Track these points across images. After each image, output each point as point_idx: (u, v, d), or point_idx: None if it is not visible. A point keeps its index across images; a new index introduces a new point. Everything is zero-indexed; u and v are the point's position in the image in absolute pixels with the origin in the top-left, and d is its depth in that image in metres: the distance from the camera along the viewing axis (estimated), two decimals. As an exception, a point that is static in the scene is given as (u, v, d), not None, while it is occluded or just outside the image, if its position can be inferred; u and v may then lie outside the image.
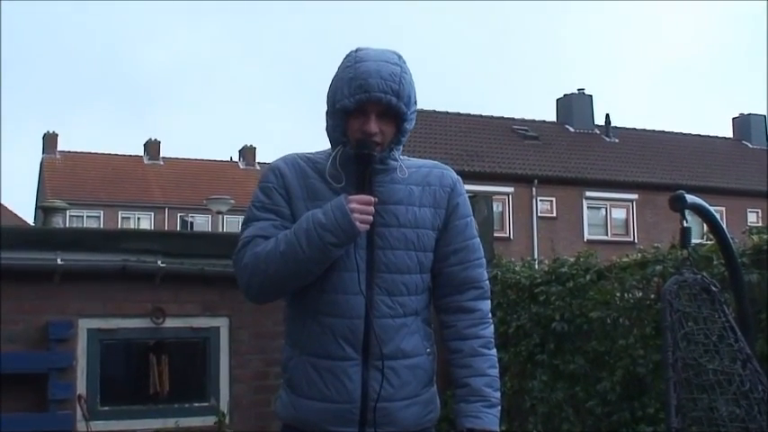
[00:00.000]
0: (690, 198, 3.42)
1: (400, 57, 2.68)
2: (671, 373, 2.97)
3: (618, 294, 6.78)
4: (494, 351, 2.73)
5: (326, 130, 2.71)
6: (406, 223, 2.66)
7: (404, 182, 2.69)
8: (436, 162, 2.85)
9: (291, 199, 2.67)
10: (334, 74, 2.69)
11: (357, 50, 2.68)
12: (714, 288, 3.25)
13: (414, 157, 2.88)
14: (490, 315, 2.77)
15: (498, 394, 2.68)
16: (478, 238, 2.81)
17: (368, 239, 2.62)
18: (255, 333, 7.11)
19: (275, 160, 2.79)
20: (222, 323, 7.16)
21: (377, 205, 2.59)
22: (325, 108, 2.69)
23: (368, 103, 2.58)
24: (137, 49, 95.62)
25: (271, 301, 2.72)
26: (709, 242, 6.04)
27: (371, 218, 2.56)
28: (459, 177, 2.83)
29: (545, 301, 7.43)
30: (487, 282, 2.81)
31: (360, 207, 2.53)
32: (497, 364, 2.73)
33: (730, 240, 3.77)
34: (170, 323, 6.99)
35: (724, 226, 3.77)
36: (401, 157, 2.73)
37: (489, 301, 2.79)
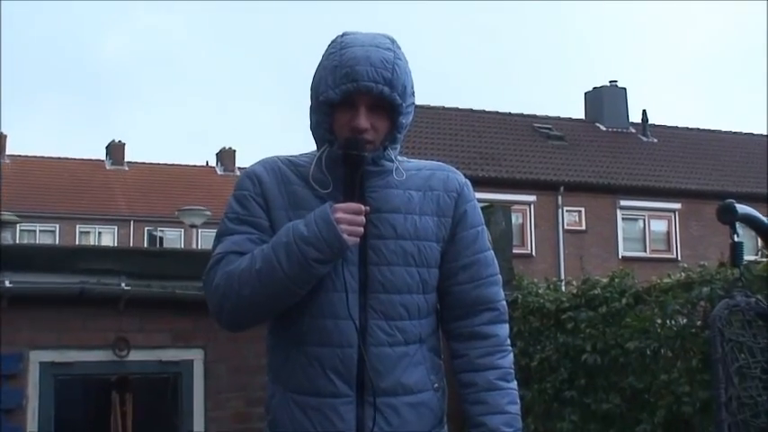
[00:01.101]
0: (741, 208, 3.40)
1: (393, 41, 2.67)
2: (724, 413, 2.95)
3: (659, 321, 6.77)
4: (514, 384, 2.71)
5: (310, 127, 2.70)
6: (405, 234, 2.64)
7: (401, 186, 2.68)
8: (440, 163, 2.84)
9: (270, 209, 2.66)
10: (318, 63, 2.68)
11: (343, 35, 2.67)
12: (772, 314, 3.24)
13: (415, 158, 2.87)
14: (508, 341, 2.75)
15: None
16: (492, 251, 2.79)
17: (360, 254, 2.61)
18: (235, 367, 7.09)
19: (252, 165, 2.78)
20: (196, 356, 7.15)
21: (370, 214, 2.57)
22: (309, 103, 2.69)
23: (356, 95, 2.56)
24: (93, 35, 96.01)
25: (247, 327, 2.71)
26: (764, 259, 6.03)
27: (362, 229, 2.54)
28: (468, 181, 2.82)
29: (574, 330, 7.42)
30: (504, 302, 2.79)
31: (348, 217, 2.51)
32: (518, 400, 2.70)
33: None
34: (135, 356, 6.98)
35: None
36: (398, 157, 2.71)
37: (507, 325, 2.77)
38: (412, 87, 2.66)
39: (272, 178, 2.69)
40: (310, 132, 2.71)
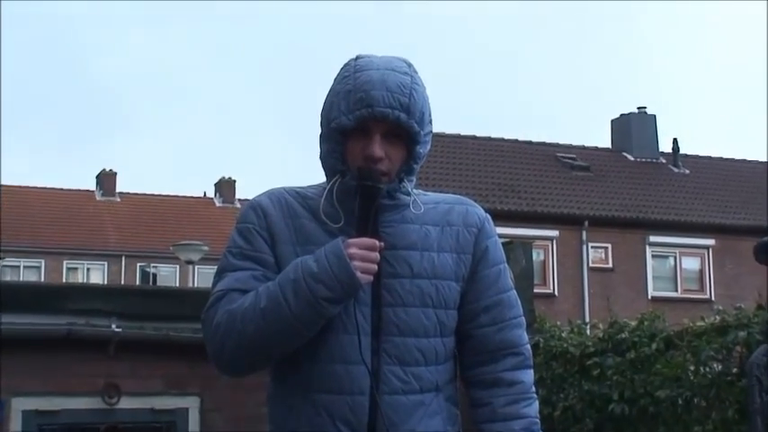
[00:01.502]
0: (782, 247, 3.40)
1: (410, 65, 2.68)
2: (762, 471, 2.93)
3: (691, 368, 6.75)
4: None
5: (320, 157, 2.70)
6: (422, 273, 2.64)
7: (418, 221, 2.68)
8: (459, 197, 2.84)
9: (276, 243, 2.65)
10: (329, 89, 2.69)
11: (357, 58, 2.68)
12: (815, 362, 3.22)
13: (431, 191, 2.87)
14: (534, 389, 2.75)
15: None
16: (514, 291, 2.80)
17: (373, 294, 2.60)
18: (233, 417, 7.08)
19: (257, 196, 2.77)
20: (191, 404, 7.13)
21: (384, 250, 2.57)
22: (319, 130, 2.69)
23: (371, 121, 2.57)
24: (81, 56, 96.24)
25: (249, 372, 2.70)
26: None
27: (376, 266, 2.53)
28: (489, 216, 2.82)
29: (599, 377, 7.40)
30: (528, 346, 2.79)
31: (361, 253, 2.51)
32: None
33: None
34: (126, 403, 6.97)
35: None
36: (415, 190, 2.71)
37: (532, 371, 2.77)
38: (430, 114, 2.67)
39: (278, 211, 2.68)
40: (320, 162, 2.71)
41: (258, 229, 2.67)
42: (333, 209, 2.63)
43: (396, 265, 2.62)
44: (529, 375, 2.75)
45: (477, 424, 2.71)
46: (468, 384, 2.76)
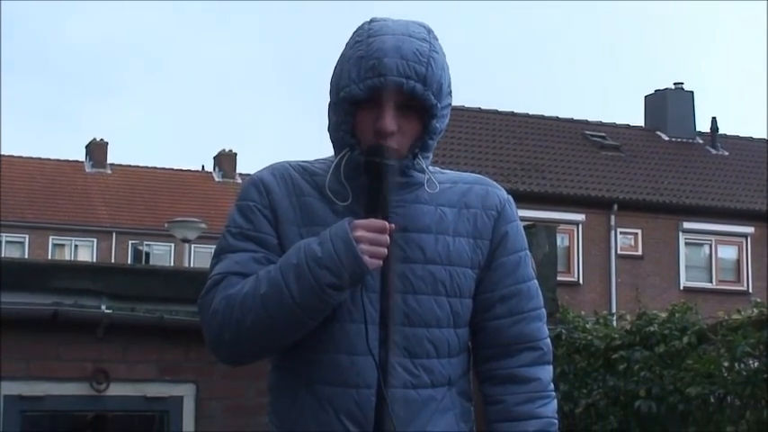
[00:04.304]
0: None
1: (430, 31, 2.66)
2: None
3: (725, 364, 6.75)
4: None
5: (328, 129, 2.69)
6: (435, 258, 2.63)
7: (433, 202, 2.66)
8: (479, 176, 2.83)
9: (279, 223, 2.65)
10: (340, 53, 2.68)
11: (371, 21, 2.66)
12: None
13: (449, 169, 2.85)
14: (552, 386, 2.74)
15: None
16: (535, 281, 2.78)
17: (382, 280, 2.59)
18: (231, 406, 7.11)
19: (259, 170, 2.76)
20: (186, 391, 7.16)
21: (395, 233, 2.55)
22: (328, 99, 2.68)
23: (383, 91, 2.55)
24: (69, 16, 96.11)
25: (248, 362, 2.70)
26: None
27: (386, 250, 2.52)
28: (511, 198, 2.80)
29: (626, 372, 7.41)
30: (548, 340, 2.78)
31: (369, 236, 2.49)
32: None
33: None
34: (116, 390, 6.99)
35: None
36: (431, 167, 2.70)
37: (550, 368, 2.75)
38: (449, 86, 2.65)
39: (282, 188, 2.67)
40: (327, 134, 2.70)
41: (260, 208, 2.66)
42: (340, 185, 2.62)
43: (407, 249, 2.61)
44: (547, 372, 2.73)
45: (490, 423, 2.70)
46: (480, 380, 2.75)
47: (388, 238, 2.51)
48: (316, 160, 2.75)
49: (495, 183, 2.80)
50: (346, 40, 2.67)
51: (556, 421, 2.70)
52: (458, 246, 2.65)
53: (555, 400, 2.73)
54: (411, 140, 2.62)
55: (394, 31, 2.59)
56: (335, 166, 2.64)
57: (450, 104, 2.68)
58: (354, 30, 2.66)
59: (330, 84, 2.67)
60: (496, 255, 2.70)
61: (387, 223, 2.52)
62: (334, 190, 2.62)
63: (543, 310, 2.78)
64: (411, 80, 2.54)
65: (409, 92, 2.55)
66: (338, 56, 2.67)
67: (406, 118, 2.59)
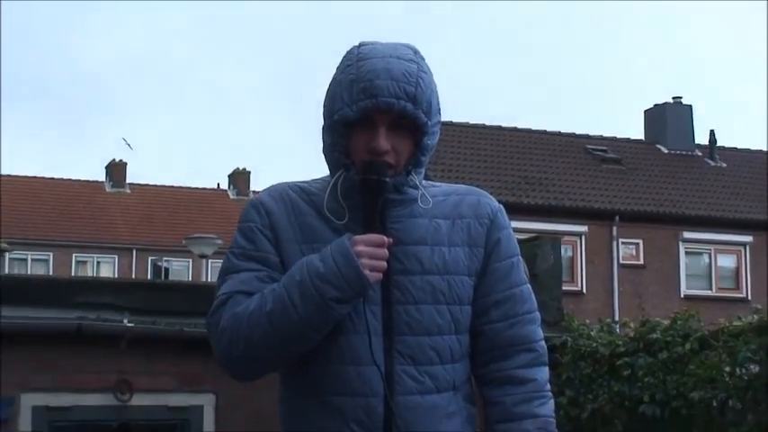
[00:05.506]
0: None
1: (416, 52, 2.68)
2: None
3: (727, 369, 6.75)
4: None
5: (323, 151, 2.70)
6: (433, 268, 2.64)
7: (427, 215, 2.67)
8: (469, 187, 2.83)
9: (280, 242, 2.66)
10: (331, 78, 2.69)
11: (360, 45, 2.68)
12: None
13: (451, 182, 2.88)
14: (548, 386, 2.74)
15: None
16: (528, 285, 2.79)
17: (383, 292, 2.61)
18: (250, 414, 7.11)
19: (258, 193, 2.80)
20: (206, 401, 7.17)
21: (393, 247, 2.57)
22: (322, 122, 2.69)
23: (375, 112, 2.57)
24: (83, 38, 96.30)
25: (258, 377, 2.70)
26: None
27: (385, 264, 2.54)
28: (502, 207, 2.81)
29: (630, 377, 7.41)
30: (543, 342, 2.77)
31: (369, 250, 2.51)
32: None
33: None
34: (139, 400, 7.02)
35: None
36: (423, 182, 2.71)
37: (546, 368, 2.76)
38: (438, 104, 2.66)
39: (281, 208, 2.69)
40: (323, 156, 2.71)
41: (261, 228, 2.67)
42: (337, 204, 2.63)
43: (405, 261, 2.62)
44: (543, 373, 2.73)
45: (490, 424, 2.70)
46: (479, 383, 2.76)
47: (386, 251, 2.54)
48: (313, 180, 2.77)
49: (486, 193, 2.81)
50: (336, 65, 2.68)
51: (553, 420, 2.70)
52: (454, 255, 2.67)
53: (552, 401, 2.73)
54: (404, 157, 2.64)
55: (383, 54, 2.61)
56: (332, 186, 2.65)
57: (440, 121, 2.69)
58: (344, 54, 2.68)
59: (323, 107, 2.68)
60: (490, 261, 2.72)
61: (385, 237, 2.54)
62: (332, 209, 2.64)
63: (537, 313, 2.78)
64: (402, 100, 2.55)
65: (400, 111, 2.56)
66: (330, 80, 2.68)
67: (399, 137, 2.61)
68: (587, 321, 8.60)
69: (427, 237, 2.66)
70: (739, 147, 37.06)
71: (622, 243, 30.68)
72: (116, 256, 48.78)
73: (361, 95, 2.56)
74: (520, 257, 2.78)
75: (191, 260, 43.73)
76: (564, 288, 10.58)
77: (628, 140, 35.91)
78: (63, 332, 6.85)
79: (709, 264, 32.03)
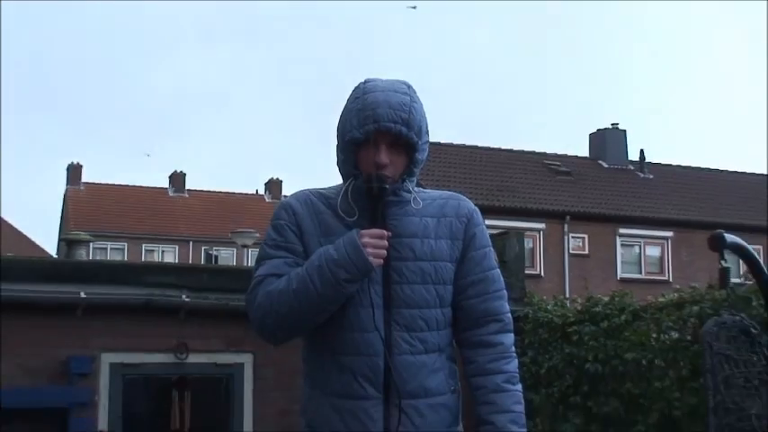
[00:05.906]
0: (730, 238, 3.39)
1: (410, 86, 2.71)
2: (712, 418, 2.93)
3: (654, 335, 6.74)
4: (518, 386, 2.70)
5: (337, 164, 2.73)
6: (423, 256, 2.66)
7: (418, 214, 2.69)
8: (452, 192, 2.86)
9: (304, 235, 2.67)
10: (343, 107, 2.72)
11: (365, 81, 2.71)
12: (754, 330, 3.22)
13: (431, 189, 2.88)
14: (513, 348, 2.74)
15: (524, 431, 2.65)
16: (498, 269, 2.79)
17: (383, 274, 2.62)
18: (280, 370, 7.11)
19: (286, 197, 2.81)
20: (246, 359, 7.17)
21: (391, 239, 2.58)
22: (336, 142, 2.71)
23: (377, 134, 2.59)
24: (153, 75, 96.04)
25: (286, 341, 2.71)
26: (747, 283, 6.00)
27: (385, 252, 2.55)
28: (477, 208, 2.81)
29: (578, 342, 7.40)
30: (509, 314, 2.78)
31: (372, 241, 2.53)
32: (522, 400, 2.70)
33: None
34: (194, 359, 7.02)
35: (763, 265, 3.73)
36: (416, 188, 2.74)
37: (512, 335, 2.76)
38: (426, 127, 2.69)
39: (304, 209, 2.70)
40: (337, 168, 2.73)
41: (289, 225, 2.69)
42: (348, 206, 2.65)
43: (401, 250, 2.64)
44: (509, 338, 2.74)
45: (468, 378, 2.72)
46: (459, 346, 2.76)
47: (386, 242, 2.56)
48: (329, 187, 2.79)
49: (464, 197, 2.83)
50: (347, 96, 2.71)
51: (517, 375, 2.70)
52: (439, 246, 2.69)
53: (516, 360, 2.72)
54: (400, 169, 2.67)
55: (383, 89, 2.64)
56: (344, 192, 2.68)
57: (428, 141, 2.72)
58: (353, 89, 2.70)
59: (337, 130, 2.71)
60: (468, 250, 2.73)
61: (385, 231, 2.57)
62: (344, 209, 2.66)
63: (505, 291, 2.79)
64: (398, 125, 2.59)
65: (397, 133, 2.59)
66: (342, 107, 2.72)
67: (396, 153, 2.64)
68: (545, 298, 8.58)
69: (418, 231, 2.67)
70: (663, 162, 37.10)
71: (572, 237, 30.67)
72: (176, 247, 48.79)
73: (367, 121, 2.59)
74: (491, 248, 2.80)
75: (235, 249, 43.69)
76: (526, 272, 10.57)
77: (576, 157, 35.91)
78: (135, 305, 6.84)
79: (639, 253, 32.02)
